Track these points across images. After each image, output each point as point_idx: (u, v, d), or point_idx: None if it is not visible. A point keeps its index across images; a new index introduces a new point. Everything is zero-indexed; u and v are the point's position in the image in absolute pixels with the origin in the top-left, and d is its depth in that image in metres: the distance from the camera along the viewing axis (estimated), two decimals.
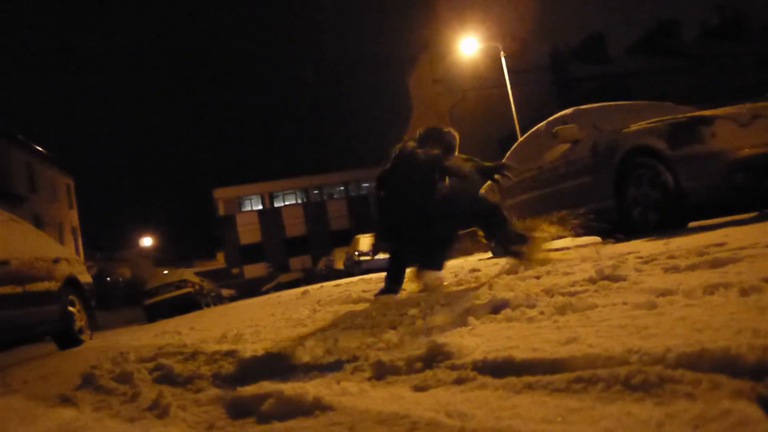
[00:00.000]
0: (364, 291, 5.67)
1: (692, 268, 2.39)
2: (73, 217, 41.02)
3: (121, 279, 50.93)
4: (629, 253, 3.62)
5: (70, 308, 6.84)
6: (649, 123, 5.63)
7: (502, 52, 22.45)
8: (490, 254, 9.30)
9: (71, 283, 7.05)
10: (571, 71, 35.75)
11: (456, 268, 6.95)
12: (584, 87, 32.24)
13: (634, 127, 5.77)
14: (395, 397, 1.36)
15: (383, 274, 5.51)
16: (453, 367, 1.49)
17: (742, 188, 4.85)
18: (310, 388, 1.53)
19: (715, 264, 2.34)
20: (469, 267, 6.41)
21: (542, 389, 1.16)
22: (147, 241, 55.38)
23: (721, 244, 3.01)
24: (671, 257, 2.87)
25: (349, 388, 1.52)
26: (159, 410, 1.78)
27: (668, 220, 5.27)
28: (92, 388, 2.49)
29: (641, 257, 3.16)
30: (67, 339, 6.73)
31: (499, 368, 1.36)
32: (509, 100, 22.20)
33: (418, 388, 1.42)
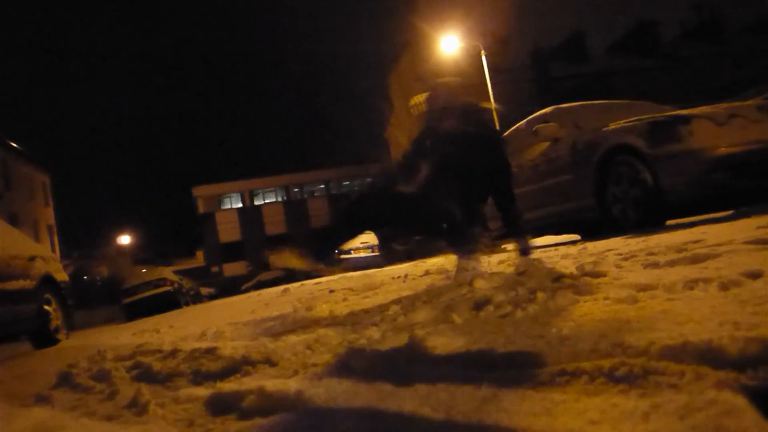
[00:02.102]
0: (344, 288, 5.65)
1: (672, 264, 2.41)
2: (49, 214, 40.50)
3: (98, 277, 50.35)
4: (609, 250, 3.65)
5: (46, 307, 6.74)
6: (628, 122, 5.69)
7: (482, 51, 22.54)
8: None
9: (47, 281, 6.94)
10: (552, 70, 36.00)
11: (437, 265, 6.96)
12: (564, 86, 32.51)
13: (613, 126, 5.83)
14: (379, 393, 1.35)
15: (364, 272, 5.48)
16: (436, 362, 1.49)
17: (720, 186, 4.92)
18: (293, 384, 1.52)
19: (694, 260, 2.36)
20: (451, 264, 6.41)
21: (527, 382, 1.15)
22: (125, 240, 54.77)
23: (699, 241, 3.05)
24: (650, 254, 2.90)
25: (332, 383, 1.50)
26: (137, 408, 1.74)
27: (647, 218, 5.33)
28: (69, 386, 2.45)
29: (621, 254, 3.18)
30: (43, 338, 6.63)
31: (483, 363, 1.36)
32: (490, 99, 22.27)
33: (402, 383, 1.41)
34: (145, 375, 2.39)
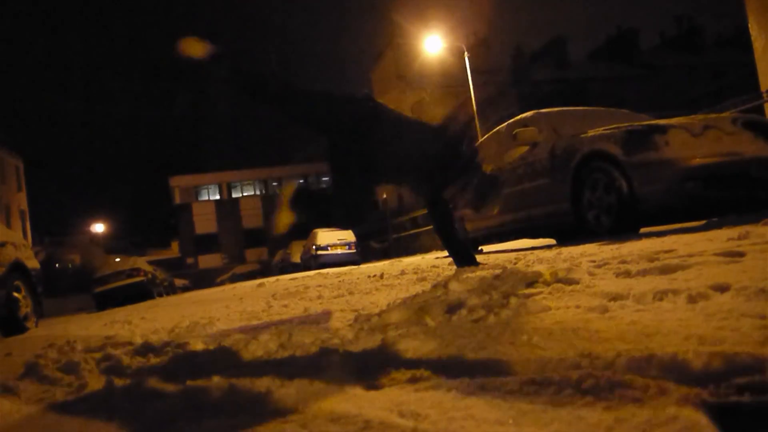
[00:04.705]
0: (319, 285, 5.65)
1: (643, 273, 2.44)
2: (21, 199, 39.85)
3: (70, 265, 49.65)
4: (582, 256, 3.70)
5: (15, 294, 6.64)
6: (606, 129, 5.76)
7: (465, 52, 22.62)
8: (447, 253, 9.38)
9: (17, 268, 6.83)
10: (533, 74, 36.25)
11: (413, 265, 6.99)
12: (545, 90, 32.77)
13: (591, 133, 5.89)
14: (348, 396, 1.36)
15: (339, 269, 5.49)
16: (407, 366, 1.49)
17: (693, 196, 5.00)
18: (263, 383, 1.52)
19: (665, 270, 2.40)
20: (426, 264, 6.44)
21: (495, 391, 1.16)
22: (99, 228, 54.08)
23: (671, 251, 3.09)
24: (623, 262, 2.94)
25: (303, 385, 1.50)
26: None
27: (621, 225, 5.40)
28: (36, 378, 2.42)
29: (594, 261, 3.22)
30: (11, 326, 6.53)
31: (453, 368, 1.37)
32: (471, 100, 22.37)
33: (372, 386, 1.42)
34: (114, 368, 2.37)
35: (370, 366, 1.60)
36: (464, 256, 4.20)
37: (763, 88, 11.85)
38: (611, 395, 1.00)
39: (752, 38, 11.86)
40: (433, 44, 24.45)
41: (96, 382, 2.10)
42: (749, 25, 11.96)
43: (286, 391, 1.46)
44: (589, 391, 1.03)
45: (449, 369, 1.38)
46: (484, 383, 1.21)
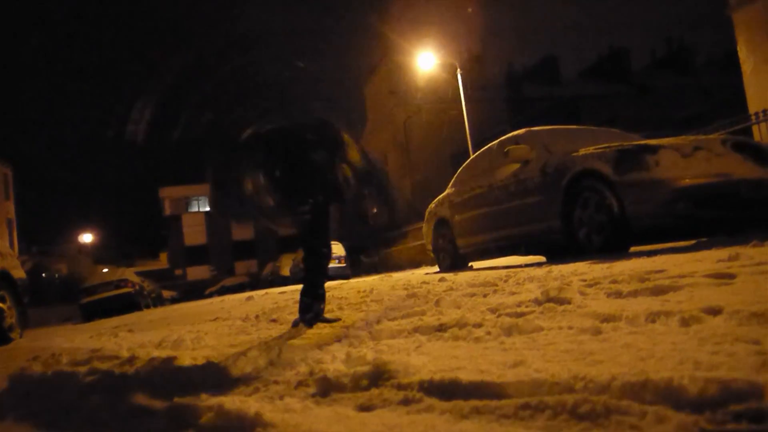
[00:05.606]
0: None
1: (634, 294, 2.44)
2: (9, 208, 39.54)
3: (57, 275, 49.17)
4: (573, 275, 3.69)
5: (0, 304, 6.55)
6: (597, 148, 5.79)
7: (458, 69, 22.74)
8: (437, 268, 9.37)
9: (3, 277, 6.76)
10: (525, 91, 36.48)
11: (403, 280, 6.97)
12: (537, 107, 32.95)
13: (582, 152, 5.92)
14: (340, 417, 1.34)
15: (329, 283, 5.45)
16: (399, 387, 1.47)
17: (682, 216, 5.02)
18: (252, 403, 1.49)
19: (656, 291, 2.40)
20: (416, 280, 6.42)
21: (490, 414, 1.15)
22: (87, 237, 53.65)
23: (661, 271, 3.09)
24: (614, 282, 2.93)
25: (293, 404, 1.48)
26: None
27: (611, 243, 5.41)
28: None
29: (585, 280, 3.21)
30: None
31: (446, 390, 1.35)
32: (463, 117, 22.46)
33: (364, 408, 1.40)
34: (100, 383, 2.33)
35: (362, 386, 1.58)
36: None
37: (751, 110, 11.98)
38: (607, 422, 0.98)
39: (741, 61, 12.02)
40: (426, 61, 24.57)
41: (81, 398, 2.07)
42: (738, 48, 12.13)
43: (275, 411, 1.44)
44: (585, 416, 1.02)
45: (442, 390, 1.36)
46: (478, 406, 1.19)
